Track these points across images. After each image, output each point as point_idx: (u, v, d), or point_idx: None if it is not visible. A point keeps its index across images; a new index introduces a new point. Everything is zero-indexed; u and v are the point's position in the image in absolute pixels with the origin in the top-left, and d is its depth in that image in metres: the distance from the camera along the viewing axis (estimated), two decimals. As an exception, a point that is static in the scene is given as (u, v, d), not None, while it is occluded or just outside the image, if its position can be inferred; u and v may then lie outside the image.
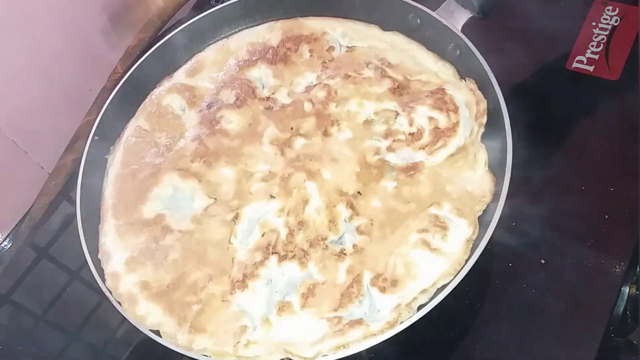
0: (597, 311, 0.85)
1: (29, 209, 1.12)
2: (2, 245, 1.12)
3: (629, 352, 0.87)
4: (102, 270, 0.88)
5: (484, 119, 0.88)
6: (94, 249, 0.89)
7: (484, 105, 0.89)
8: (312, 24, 1.05)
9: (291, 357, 0.76)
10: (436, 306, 0.74)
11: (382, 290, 0.78)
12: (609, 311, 0.85)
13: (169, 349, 0.79)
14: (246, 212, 0.87)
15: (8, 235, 1.13)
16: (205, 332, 0.79)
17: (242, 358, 0.77)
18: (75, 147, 1.13)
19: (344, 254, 0.82)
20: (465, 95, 0.91)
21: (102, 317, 0.99)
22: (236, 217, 0.87)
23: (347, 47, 1.02)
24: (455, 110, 0.89)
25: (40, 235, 1.10)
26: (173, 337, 0.80)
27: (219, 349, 0.78)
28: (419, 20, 1.00)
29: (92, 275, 0.85)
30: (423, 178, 0.86)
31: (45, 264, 1.08)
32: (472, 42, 0.93)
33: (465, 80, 0.94)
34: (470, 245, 0.79)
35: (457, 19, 0.96)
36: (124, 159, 0.97)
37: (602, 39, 1.09)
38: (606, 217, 0.92)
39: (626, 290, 0.87)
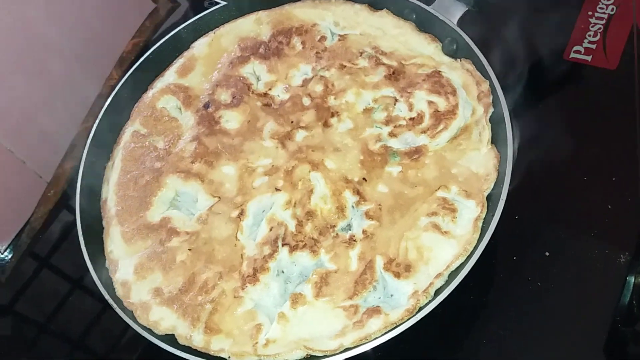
0: (603, 302, 0.84)
1: (29, 219, 1.12)
2: (3, 256, 1.11)
3: (636, 342, 0.86)
4: (110, 279, 0.87)
5: (490, 99, 0.88)
6: (95, 257, 0.88)
7: (486, 85, 0.89)
8: (301, 15, 1.05)
9: (312, 353, 0.75)
10: (441, 303, 0.74)
11: (397, 275, 0.78)
12: (614, 302, 0.84)
13: (175, 355, 0.78)
14: (251, 207, 0.87)
15: (9, 245, 1.12)
16: (220, 332, 0.79)
17: (262, 357, 0.76)
18: (73, 154, 1.13)
19: (354, 240, 0.82)
20: (462, 77, 0.91)
21: (106, 325, 0.98)
22: (241, 214, 0.86)
23: (339, 35, 1.01)
24: (454, 92, 0.89)
25: (41, 244, 1.10)
26: (188, 339, 0.79)
27: (237, 350, 0.77)
28: (414, 16, 0.99)
29: (94, 283, 0.85)
30: (428, 161, 0.86)
31: (47, 274, 1.08)
32: (468, 35, 0.93)
33: (460, 61, 0.93)
34: (480, 224, 0.80)
35: (452, 13, 0.96)
36: (124, 165, 0.96)
37: (599, 29, 1.09)
38: (609, 207, 0.91)
39: (631, 280, 0.85)
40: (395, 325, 0.75)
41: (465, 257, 0.78)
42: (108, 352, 0.98)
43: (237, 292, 0.81)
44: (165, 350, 0.78)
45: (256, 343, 0.77)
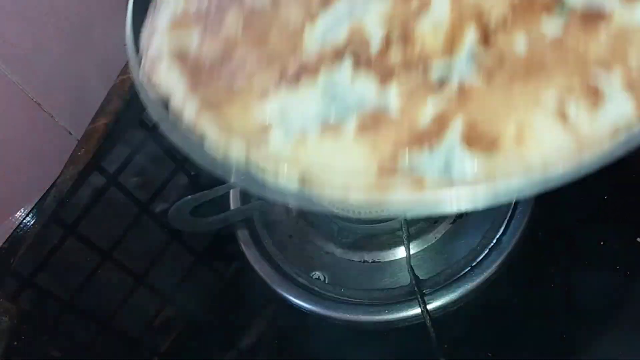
0: None
1: (55, 180, 1.01)
2: (24, 221, 1.00)
3: None
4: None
5: None
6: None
7: None
8: None
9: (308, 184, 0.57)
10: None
11: (472, 143, 0.50)
12: None
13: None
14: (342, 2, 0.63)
15: (31, 210, 1.00)
16: (219, 110, 0.60)
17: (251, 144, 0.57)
18: (108, 109, 1.03)
19: (442, 88, 0.58)
20: None
21: (138, 303, 0.88)
22: (325, 3, 0.64)
23: None
24: None
25: (68, 210, 0.98)
26: (179, 113, 0.62)
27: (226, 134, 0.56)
28: None
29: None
30: (603, 37, 0.56)
31: (73, 243, 0.96)
32: None
33: None
34: (621, 138, 0.55)
35: None
36: None
37: None
38: None
39: None
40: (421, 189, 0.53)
41: (573, 165, 0.47)
42: (141, 334, 0.87)
43: (266, 91, 0.59)
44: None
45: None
